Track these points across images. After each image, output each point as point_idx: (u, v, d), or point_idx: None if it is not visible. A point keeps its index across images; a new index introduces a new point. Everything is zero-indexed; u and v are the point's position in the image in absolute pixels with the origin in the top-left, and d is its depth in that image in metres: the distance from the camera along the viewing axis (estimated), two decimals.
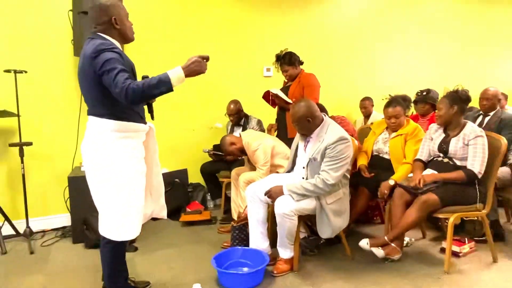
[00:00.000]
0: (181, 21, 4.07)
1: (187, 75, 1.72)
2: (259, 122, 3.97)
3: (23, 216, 3.27)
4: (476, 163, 2.45)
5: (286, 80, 3.51)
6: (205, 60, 1.78)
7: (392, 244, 2.48)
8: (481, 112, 3.40)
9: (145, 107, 2.04)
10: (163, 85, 1.66)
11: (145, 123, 1.97)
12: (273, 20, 4.53)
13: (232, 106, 3.90)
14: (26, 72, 3.17)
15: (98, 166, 1.82)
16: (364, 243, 2.49)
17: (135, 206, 1.89)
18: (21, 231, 3.22)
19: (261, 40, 4.46)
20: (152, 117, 2.07)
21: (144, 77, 1.83)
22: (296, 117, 2.50)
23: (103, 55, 1.70)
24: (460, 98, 2.61)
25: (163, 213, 2.14)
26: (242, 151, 3.20)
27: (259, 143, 3.04)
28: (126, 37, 1.93)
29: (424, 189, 2.45)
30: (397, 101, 2.98)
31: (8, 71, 3.06)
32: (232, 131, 4.03)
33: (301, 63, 3.42)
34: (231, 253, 2.58)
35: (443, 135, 2.68)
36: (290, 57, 3.33)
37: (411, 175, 2.65)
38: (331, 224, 2.44)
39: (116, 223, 1.85)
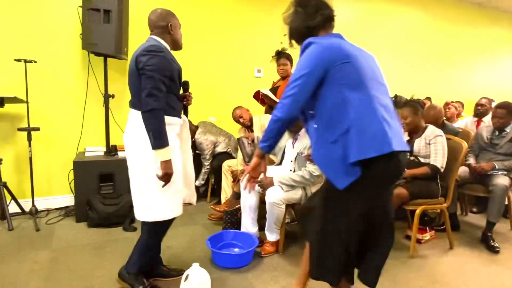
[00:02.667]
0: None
1: (163, 162, 1.73)
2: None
3: (29, 196, 3.18)
4: (438, 158, 2.55)
5: (279, 76, 3.50)
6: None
7: None
8: None
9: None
10: (158, 139, 1.70)
11: (180, 117, 1.95)
12: (265, 22, 4.48)
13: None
14: (35, 62, 3.06)
15: (139, 155, 1.81)
16: None
17: (176, 188, 1.88)
18: (27, 209, 3.13)
19: (252, 42, 4.41)
20: (186, 115, 2.11)
21: (184, 82, 2.02)
22: None
23: (149, 58, 1.70)
24: (420, 105, 2.71)
25: (194, 199, 2.12)
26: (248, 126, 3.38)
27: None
28: (176, 44, 1.96)
29: (395, 184, 2.52)
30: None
31: (18, 60, 2.94)
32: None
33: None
34: (223, 235, 2.59)
35: (408, 137, 2.78)
36: (289, 54, 3.36)
37: None
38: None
39: (162, 204, 1.83)
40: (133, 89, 1.81)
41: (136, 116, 1.80)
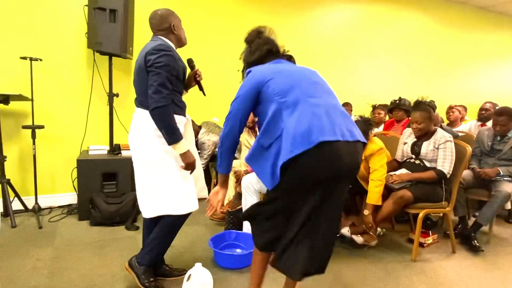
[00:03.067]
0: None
1: (182, 154, 1.79)
2: None
3: (32, 193, 3.19)
4: (446, 164, 2.53)
5: None
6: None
7: (370, 232, 2.54)
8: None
9: (196, 86, 2.12)
10: (171, 134, 1.74)
11: (184, 115, 1.96)
12: (270, 23, 4.45)
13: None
14: (41, 60, 3.07)
15: (147, 153, 1.83)
16: (345, 230, 2.54)
17: (186, 183, 1.89)
18: (30, 207, 3.13)
19: None
20: (204, 93, 2.13)
21: (188, 60, 2.05)
22: None
23: (158, 56, 1.72)
24: (433, 107, 2.68)
25: (204, 192, 2.12)
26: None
27: None
28: (181, 42, 1.99)
29: (401, 186, 2.51)
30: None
31: (24, 58, 2.96)
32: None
33: None
34: (226, 235, 2.58)
35: (415, 139, 2.74)
36: (289, 59, 3.34)
37: (393, 173, 2.69)
38: None
39: (176, 200, 1.86)
40: (140, 88, 1.82)
41: (142, 115, 1.81)
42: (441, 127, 3.31)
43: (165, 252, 2.08)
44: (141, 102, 1.83)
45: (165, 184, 1.84)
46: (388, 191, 2.59)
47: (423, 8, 5.82)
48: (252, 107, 1.55)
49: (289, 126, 1.38)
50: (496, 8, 6.39)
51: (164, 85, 1.72)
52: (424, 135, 2.68)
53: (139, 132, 1.83)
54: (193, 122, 2.93)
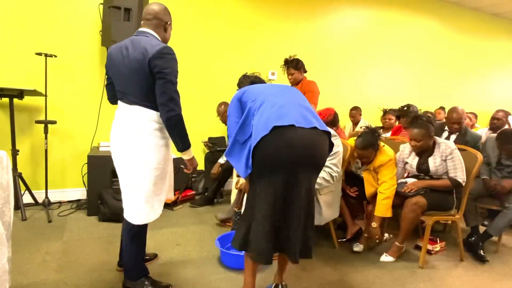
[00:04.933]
0: (189, 21, 3.98)
1: (189, 160, 1.91)
2: None
3: (43, 187, 3.23)
4: (459, 173, 2.48)
5: (290, 84, 3.51)
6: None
7: (401, 245, 2.60)
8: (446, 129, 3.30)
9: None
10: (184, 142, 1.80)
11: None
12: (281, 27, 4.50)
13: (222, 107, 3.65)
14: (56, 56, 3.11)
15: (134, 150, 1.76)
16: (384, 257, 2.57)
17: (162, 190, 1.87)
18: (40, 201, 3.17)
19: (268, 45, 4.43)
20: None
21: None
22: None
23: (166, 61, 1.68)
24: (431, 122, 2.57)
25: (170, 194, 2.05)
26: None
27: None
28: (165, 43, 1.91)
29: (414, 193, 2.48)
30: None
31: (39, 54, 3.00)
32: None
33: (305, 71, 3.42)
34: (232, 236, 2.57)
35: (417, 157, 2.65)
36: (297, 63, 3.33)
37: (404, 180, 2.65)
38: (322, 213, 2.49)
39: (146, 206, 1.81)
40: (139, 86, 1.73)
41: (141, 113, 1.75)
42: (466, 130, 3.18)
43: (143, 253, 2.03)
44: (136, 101, 1.76)
45: (143, 187, 1.78)
46: (401, 199, 2.55)
47: (435, 14, 5.77)
48: (241, 115, 1.79)
49: (255, 122, 1.65)
50: (509, 14, 6.30)
51: (176, 92, 1.72)
52: (425, 151, 2.60)
53: (136, 131, 1.76)
54: None
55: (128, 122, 1.78)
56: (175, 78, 1.72)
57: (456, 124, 3.14)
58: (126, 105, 1.80)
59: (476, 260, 2.66)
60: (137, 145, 1.76)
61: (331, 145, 1.80)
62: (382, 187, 2.53)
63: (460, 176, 2.48)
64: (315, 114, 1.74)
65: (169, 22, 1.89)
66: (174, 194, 3.48)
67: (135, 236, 1.87)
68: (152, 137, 1.77)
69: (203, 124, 4.13)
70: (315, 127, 1.65)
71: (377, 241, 2.63)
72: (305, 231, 1.71)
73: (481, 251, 2.67)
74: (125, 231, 1.89)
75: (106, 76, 1.95)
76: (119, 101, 1.86)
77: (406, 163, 2.70)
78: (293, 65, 3.33)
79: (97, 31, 3.37)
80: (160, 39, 1.84)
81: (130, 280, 1.92)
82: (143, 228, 1.90)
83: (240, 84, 2.22)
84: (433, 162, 2.56)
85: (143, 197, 1.79)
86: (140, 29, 1.84)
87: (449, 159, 2.51)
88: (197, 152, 4.06)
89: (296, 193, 1.64)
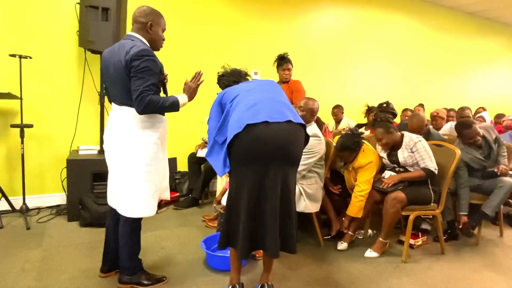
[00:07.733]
0: (173, 21, 3.95)
1: (189, 101, 2.00)
2: None
3: (20, 194, 3.13)
4: (428, 162, 2.58)
5: (280, 80, 3.49)
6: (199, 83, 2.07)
7: (385, 240, 2.65)
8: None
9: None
10: (171, 109, 1.86)
11: (164, 115, 1.99)
12: (263, 26, 4.51)
13: None
14: (31, 57, 3.02)
15: (126, 148, 1.84)
16: (368, 253, 2.62)
17: (156, 187, 1.92)
18: (17, 207, 3.07)
19: (250, 44, 4.43)
20: (166, 93, 2.10)
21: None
22: None
23: (143, 61, 1.73)
24: (388, 120, 2.72)
25: (166, 194, 2.10)
26: None
27: None
28: (154, 45, 1.94)
29: (393, 188, 2.54)
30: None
31: (13, 55, 2.91)
32: None
33: None
34: (217, 237, 2.56)
35: (387, 151, 2.79)
36: (290, 60, 3.41)
37: (384, 174, 2.71)
38: (306, 200, 2.54)
39: (143, 201, 1.87)
40: (124, 89, 1.80)
41: (128, 113, 1.83)
42: (429, 131, 3.32)
43: (139, 249, 2.05)
44: (124, 102, 1.84)
45: (136, 183, 1.85)
46: (381, 195, 2.62)
47: (414, 12, 5.91)
48: (220, 117, 1.85)
49: (230, 121, 1.71)
50: (484, 13, 6.52)
51: (148, 87, 1.74)
52: (396, 145, 2.73)
53: (125, 130, 1.84)
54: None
55: (119, 122, 1.86)
56: (149, 76, 1.74)
57: (416, 132, 3.04)
58: (117, 106, 1.88)
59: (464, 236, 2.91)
60: (128, 143, 1.83)
61: (307, 137, 1.84)
62: (356, 189, 2.65)
63: (430, 164, 2.57)
64: (291, 107, 1.79)
65: (150, 23, 1.88)
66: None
67: (131, 231, 1.94)
68: (143, 136, 1.84)
69: (190, 125, 4.10)
70: (290, 120, 1.69)
71: (350, 234, 2.73)
72: (285, 228, 1.74)
73: (473, 230, 2.83)
74: (121, 228, 1.94)
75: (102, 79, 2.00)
76: (112, 103, 1.94)
77: (383, 157, 2.83)
78: (290, 60, 3.39)
79: (74, 31, 3.29)
80: (146, 40, 1.88)
81: (127, 275, 1.99)
82: (138, 224, 1.96)
83: (219, 83, 2.29)
84: (402, 155, 2.69)
85: (137, 192, 1.85)
86: (128, 32, 1.91)
87: (415, 151, 2.63)
88: (181, 153, 4.01)
89: (270, 187, 1.67)
